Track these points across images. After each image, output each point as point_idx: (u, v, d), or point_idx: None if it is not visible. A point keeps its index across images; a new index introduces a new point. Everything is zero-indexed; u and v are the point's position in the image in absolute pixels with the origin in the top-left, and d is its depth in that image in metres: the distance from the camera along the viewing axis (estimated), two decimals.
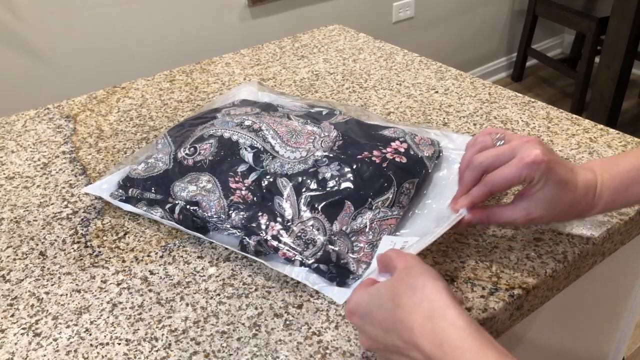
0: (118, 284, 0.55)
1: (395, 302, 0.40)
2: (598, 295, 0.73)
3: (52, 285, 0.55)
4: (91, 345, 0.48)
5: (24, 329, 0.50)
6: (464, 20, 2.55)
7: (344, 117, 0.70)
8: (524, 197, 0.50)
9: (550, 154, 0.48)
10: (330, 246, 0.53)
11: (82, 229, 0.62)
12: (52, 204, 0.67)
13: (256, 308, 0.51)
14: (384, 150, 0.61)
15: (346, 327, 0.49)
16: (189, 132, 0.68)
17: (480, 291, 0.51)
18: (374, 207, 0.56)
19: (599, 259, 0.60)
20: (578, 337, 0.77)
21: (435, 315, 0.38)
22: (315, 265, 0.53)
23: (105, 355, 0.47)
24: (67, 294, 0.54)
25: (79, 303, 0.53)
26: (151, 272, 0.56)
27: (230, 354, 0.47)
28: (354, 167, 0.59)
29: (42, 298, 0.54)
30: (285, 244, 0.54)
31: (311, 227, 0.54)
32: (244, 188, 0.59)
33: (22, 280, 0.56)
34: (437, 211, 0.59)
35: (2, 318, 0.52)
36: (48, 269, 0.57)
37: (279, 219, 0.56)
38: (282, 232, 0.55)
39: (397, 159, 0.60)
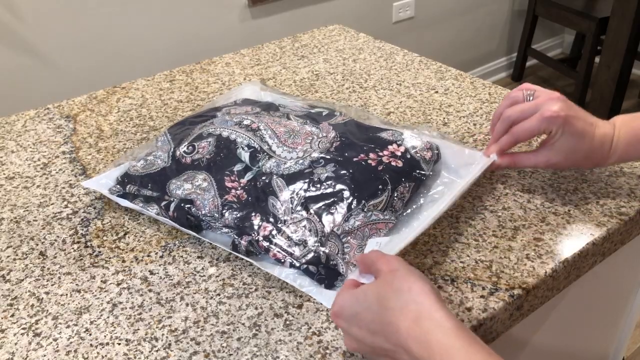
0: (118, 284, 0.55)
1: (382, 305, 0.40)
2: (598, 295, 0.73)
3: (52, 285, 0.55)
4: (91, 345, 0.48)
5: (24, 329, 0.50)
6: (464, 20, 2.55)
7: (344, 118, 0.70)
8: (545, 146, 0.59)
9: (569, 110, 0.57)
10: (320, 247, 0.53)
11: (82, 229, 0.62)
12: (52, 204, 0.67)
13: (256, 308, 0.51)
14: (380, 153, 0.61)
15: None
16: (189, 130, 0.68)
17: (480, 291, 0.51)
18: (366, 210, 0.56)
19: (599, 259, 0.60)
20: (578, 337, 0.77)
21: (422, 317, 0.38)
22: (305, 266, 0.52)
23: (105, 355, 0.47)
24: (67, 294, 0.54)
25: (79, 303, 0.53)
26: (151, 272, 0.56)
27: (230, 354, 0.47)
28: (350, 169, 0.58)
29: (42, 298, 0.54)
30: (276, 244, 0.54)
31: (303, 228, 0.54)
32: (239, 187, 0.59)
33: (22, 280, 0.56)
34: (431, 217, 0.56)
35: (2, 318, 0.52)
36: (48, 269, 0.57)
37: (271, 219, 0.56)
38: (274, 232, 0.55)
39: (393, 163, 0.60)
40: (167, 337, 0.49)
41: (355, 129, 0.67)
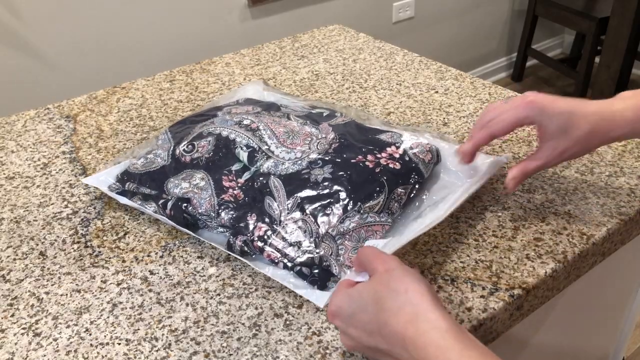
0: (118, 284, 0.55)
1: (378, 305, 0.40)
2: (598, 295, 0.73)
3: (52, 285, 0.55)
4: (91, 345, 0.48)
5: (24, 329, 0.50)
6: (464, 20, 2.55)
7: (344, 119, 0.70)
8: (543, 139, 0.55)
9: (546, 97, 0.53)
10: (314, 249, 0.53)
11: (82, 229, 0.62)
12: (52, 204, 0.67)
13: (256, 308, 0.51)
14: (378, 155, 0.61)
15: None
16: (189, 129, 0.68)
17: (480, 291, 0.51)
18: (362, 211, 0.55)
19: (599, 259, 0.60)
20: (578, 337, 0.77)
21: (418, 318, 0.38)
22: (298, 268, 0.52)
23: (105, 355, 0.47)
24: (67, 294, 0.54)
25: (79, 303, 0.53)
26: (151, 272, 0.56)
27: (230, 354, 0.47)
28: (347, 170, 0.58)
29: (42, 298, 0.54)
30: (270, 245, 0.54)
31: (298, 229, 0.54)
32: (236, 187, 0.59)
33: (22, 280, 0.56)
34: (430, 220, 0.56)
35: (2, 318, 0.52)
36: (48, 269, 0.57)
37: (267, 220, 0.56)
38: (269, 232, 0.55)
39: (391, 165, 0.60)
40: (167, 337, 0.49)
41: (354, 130, 0.67)
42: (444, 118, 0.80)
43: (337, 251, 0.53)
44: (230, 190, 0.59)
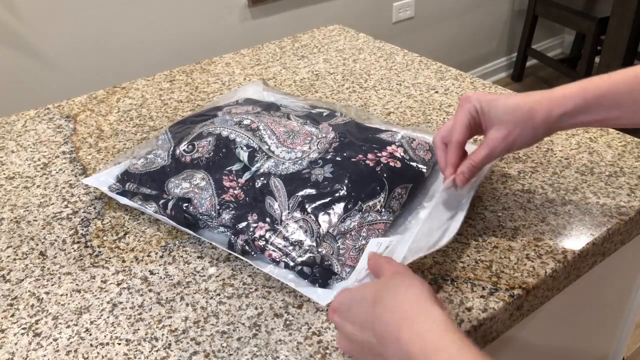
0: (118, 284, 0.55)
1: (376, 300, 0.40)
2: (598, 295, 0.73)
3: (52, 285, 0.55)
4: (91, 345, 0.48)
5: (24, 329, 0.50)
6: (464, 20, 2.55)
7: (344, 119, 0.70)
8: (486, 128, 0.54)
9: (483, 93, 0.54)
10: (316, 249, 0.53)
11: (82, 229, 0.62)
12: (52, 204, 0.67)
13: (256, 308, 0.51)
14: (378, 154, 0.61)
15: None
16: (189, 129, 0.68)
17: (480, 291, 0.51)
18: (363, 210, 0.56)
19: (599, 259, 0.60)
20: (578, 337, 0.77)
21: (416, 315, 0.38)
22: (299, 267, 0.52)
23: (105, 355, 0.47)
24: (67, 294, 0.54)
25: (79, 303, 0.53)
26: (151, 272, 0.56)
27: (230, 354, 0.47)
28: (347, 170, 0.58)
29: (42, 298, 0.54)
30: (272, 244, 0.54)
31: (299, 229, 0.54)
32: (237, 187, 0.59)
33: (22, 280, 0.56)
34: (431, 219, 0.56)
35: (2, 318, 0.52)
36: (48, 269, 0.57)
37: (267, 219, 0.56)
38: (269, 232, 0.55)
39: (392, 163, 0.60)
40: (167, 337, 0.49)
41: (354, 129, 0.67)
42: (444, 118, 0.80)
43: (338, 250, 0.53)
44: (231, 190, 0.59)
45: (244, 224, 0.56)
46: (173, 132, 0.69)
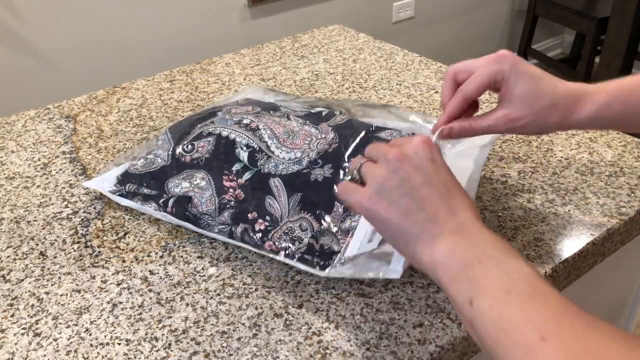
0: (118, 284, 0.55)
1: (447, 182, 0.41)
2: (598, 295, 0.73)
3: (52, 285, 0.55)
4: (91, 345, 0.48)
5: (24, 329, 0.50)
6: (464, 20, 2.55)
7: (343, 118, 0.70)
8: (503, 98, 0.50)
9: (519, 57, 0.50)
10: (316, 242, 0.54)
11: (82, 229, 0.62)
12: (52, 204, 0.67)
13: (256, 308, 0.51)
14: None
15: (346, 327, 0.49)
16: (189, 129, 0.68)
17: None
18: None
19: (599, 259, 0.60)
20: None
21: (473, 217, 0.40)
22: (300, 255, 0.53)
23: (105, 355, 0.47)
24: (67, 294, 0.54)
25: (79, 303, 0.53)
26: (151, 272, 0.56)
27: (230, 354, 0.47)
28: (347, 169, 0.59)
29: (42, 298, 0.54)
30: (271, 238, 0.55)
31: (299, 227, 0.55)
32: (237, 187, 0.60)
33: (22, 280, 0.56)
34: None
35: (2, 318, 0.52)
36: (48, 269, 0.57)
37: (267, 218, 0.56)
38: (269, 228, 0.55)
39: None
40: (167, 337, 0.49)
41: (354, 129, 0.67)
42: None
43: (337, 241, 0.54)
44: (231, 190, 0.59)
45: (244, 220, 0.56)
46: (173, 132, 0.69)
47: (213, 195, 0.59)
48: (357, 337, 0.48)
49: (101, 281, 0.55)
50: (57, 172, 0.73)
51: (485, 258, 0.36)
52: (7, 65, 1.53)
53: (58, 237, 0.61)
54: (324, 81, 0.93)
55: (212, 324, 0.50)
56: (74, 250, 0.59)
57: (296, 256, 0.53)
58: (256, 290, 0.53)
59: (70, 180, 0.71)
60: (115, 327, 0.50)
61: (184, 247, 0.59)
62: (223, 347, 0.48)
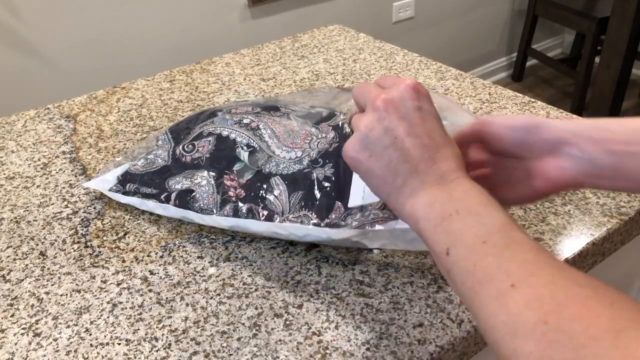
0: (118, 284, 0.55)
1: (438, 130, 0.40)
2: None
3: (52, 285, 0.55)
4: (91, 345, 0.48)
5: (24, 329, 0.50)
6: (464, 20, 2.56)
7: (343, 118, 0.70)
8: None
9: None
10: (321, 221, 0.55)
11: (82, 229, 0.62)
12: (52, 204, 0.67)
13: (256, 308, 0.51)
14: None
15: (346, 327, 0.49)
16: (189, 129, 0.68)
17: None
18: (364, 209, 0.56)
19: (599, 259, 0.60)
20: None
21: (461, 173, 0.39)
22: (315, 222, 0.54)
23: (105, 355, 0.47)
24: (67, 294, 0.54)
25: (79, 303, 0.53)
26: (151, 272, 0.56)
27: (230, 354, 0.47)
28: (348, 168, 0.59)
29: (42, 298, 0.54)
30: (275, 221, 0.56)
31: (300, 224, 0.55)
32: (238, 187, 0.60)
33: (22, 280, 0.56)
34: None
35: (2, 318, 0.52)
36: (48, 269, 0.57)
37: (269, 213, 0.57)
38: (272, 215, 0.57)
39: None
40: (167, 337, 0.49)
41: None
42: None
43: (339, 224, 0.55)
44: (232, 189, 0.60)
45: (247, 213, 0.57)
46: (173, 132, 0.70)
47: (215, 193, 0.59)
48: (357, 337, 0.48)
49: (101, 281, 0.55)
50: (57, 172, 0.73)
51: (463, 209, 0.36)
52: (7, 65, 1.53)
53: (58, 237, 0.61)
54: (324, 81, 0.93)
55: (212, 324, 0.50)
56: (74, 250, 0.59)
57: (311, 221, 0.54)
58: (256, 290, 0.53)
59: (70, 180, 0.71)
60: (115, 327, 0.50)
61: (184, 247, 0.59)
62: (223, 347, 0.48)
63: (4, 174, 0.74)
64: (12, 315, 0.52)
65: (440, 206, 0.37)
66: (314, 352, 0.47)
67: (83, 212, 0.65)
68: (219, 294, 0.53)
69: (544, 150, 0.43)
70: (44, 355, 0.48)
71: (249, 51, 1.07)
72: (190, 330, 0.49)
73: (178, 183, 0.61)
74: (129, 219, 0.63)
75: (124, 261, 0.57)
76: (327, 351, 0.47)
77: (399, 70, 0.96)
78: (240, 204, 0.57)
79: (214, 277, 0.55)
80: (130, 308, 0.52)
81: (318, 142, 0.63)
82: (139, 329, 0.50)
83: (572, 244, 0.56)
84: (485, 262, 0.33)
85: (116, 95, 0.93)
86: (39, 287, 0.55)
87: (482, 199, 0.37)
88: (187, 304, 0.52)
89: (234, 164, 0.62)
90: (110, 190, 0.65)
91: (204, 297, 0.52)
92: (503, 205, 0.37)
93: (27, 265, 0.58)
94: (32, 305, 0.53)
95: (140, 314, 0.51)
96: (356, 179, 0.53)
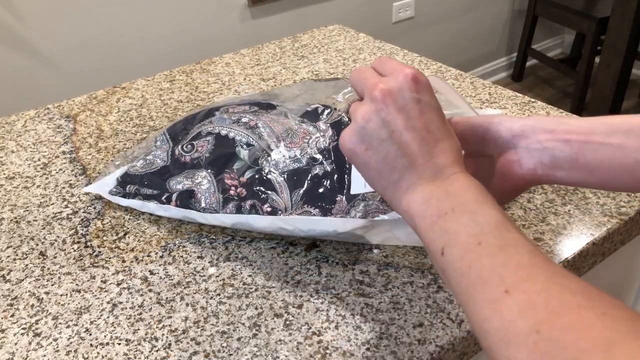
0: (118, 284, 0.55)
1: (438, 122, 0.40)
2: None
3: (52, 285, 0.55)
4: (91, 345, 0.48)
5: (24, 329, 0.50)
6: (464, 20, 2.56)
7: (339, 114, 0.70)
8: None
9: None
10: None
11: (82, 229, 0.62)
12: (52, 204, 0.67)
13: (256, 308, 0.51)
14: None
15: (346, 327, 0.49)
16: (187, 129, 0.69)
17: None
18: (366, 199, 0.56)
19: (599, 259, 0.60)
20: None
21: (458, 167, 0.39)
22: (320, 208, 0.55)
23: (105, 355, 0.47)
24: (67, 294, 0.54)
25: (79, 303, 0.53)
26: (151, 272, 0.56)
27: (230, 354, 0.47)
28: (347, 165, 0.59)
29: (42, 298, 0.54)
30: (279, 216, 0.56)
31: (303, 219, 0.55)
32: (239, 186, 0.60)
33: (22, 280, 0.56)
34: None
35: (2, 318, 0.52)
36: (48, 269, 0.57)
37: (271, 208, 0.57)
38: (276, 211, 0.57)
39: None
40: (167, 337, 0.49)
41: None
42: None
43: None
44: (233, 188, 0.60)
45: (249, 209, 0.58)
46: (171, 133, 0.70)
47: (216, 192, 0.59)
48: (357, 337, 0.48)
49: (101, 281, 0.55)
50: (57, 172, 0.73)
51: (459, 207, 0.36)
52: (7, 65, 1.53)
53: (58, 237, 0.61)
54: None
55: (212, 324, 0.50)
56: (74, 250, 0.59)
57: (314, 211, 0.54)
58: (256, 290, 0.53)
59: (70, 180, 0.71)
60: (115, 327, 0.50)
61: (184, 247, 0.59)
62: (223, 347, 0.48)
63: (4, 174, 0.74)
64: (12, 315, 0.52)
65: (436, 203, 0.37)
66: (314, 352, 0.47)
67: (83, 212, 0.65)
68: (219, 294, 0.53)
69: (503, 146, 0.43)
70: (44, 355, 0.48)
71: (249, 51, 1.07)
72: (190, 330, 0.49)
73: (179, 183, 0.62)
74: (129, 219, 0.63)
75: (124, 261, 0.57)
76: (327, 351, 0.47)
77: None
78: (243, 202, 0.58)
79: (214, 277, 0.55)
80: (130, 308, 0.52)
81: (316, 141, 0.63)
82: (139, 329, 0.50)
83: (572, 244, 0.56)
84: (479, 264, 0.32)
85: (116, 95, 0.93)
86: (39, 287, 0.55)
87: (479, 195, 0.36)
88: (187, 304, 0.52)
89: (234, 163, 0.62)
90: (110, 193, 0.65)
91: (204, 297, 0.52)
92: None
93: (27, 265, 0.58)
94: (32, 305, 0.53)
95: (140, 314, 0.51)
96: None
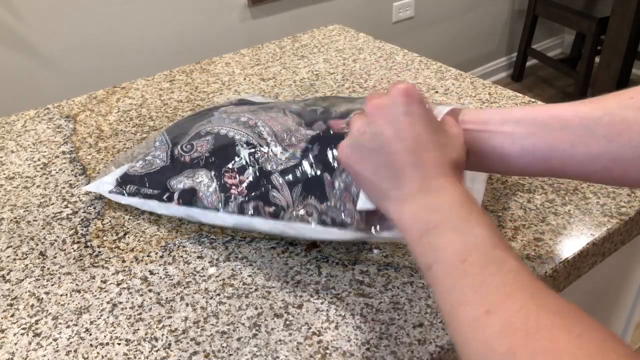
0: (118, 284, 0.55)
1: (433, 130, 0.41)
2: (598, 295, 0.73)
3: (52, 285, 0.55)
4: (91, 345, 0.48)
5: (24, 329, 0.50)
6: (464, 20, 2.56)
7: (336, 115, 0.70)
8: None
9: None
10: (326, 216, 0.55)
11: (82, 229, 0.62)
12: (52, 204, 0.67)
13: (256, 308, 0.51)
14: None
15: (346, 327, 0.49)
16: (186, 129, 0.69)
17: None
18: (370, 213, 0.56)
19: (599, 259, 0.60)
20: None
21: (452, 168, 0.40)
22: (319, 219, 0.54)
23: (105, 355, 0.47)
24: (67, 294, 0.54)
25: (79, 303, 0.53)
26: (151, 272, 0.56)
27: (230, 354, 0.47)
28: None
29: (42, 298, 0.54)
30: (281, 217, 0.56)
31: (305, 214, 0.55)
32: (239, 184, 0.60)
33: (22, 280, 0.56)
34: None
35: (2, 318, 0.52)
36: (48, 269, 0.57)
37: (274, 207, 0.57)
38: (278, 212, 0.56)
39: None
40: (167, 337, 0.49)
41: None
42: None
43: (342, 212, 0.55)
44: (234, 187, 0.60)
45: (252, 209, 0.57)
46: (170, 133, 0.70)
47: (217, 191, 0.59)
48: (357, 337, 0.48)
49: (101, 281, 0.55)
50: (57, 172, 0.73)
51: (445, 221, 0.36)
52: (7, 65, 1.53)
53: (58, 237, 0.61)
54: (324, 81, 0.93)
55: (212, 324, 0.50)
56: (74, 250, 0.59)
57: (313, 223, 0.54)
58: (256, 290, 0.53)
59: (70, 180, 0.71)
60: (115, 327, 0.50)
61: (183, 247, 0.59)
62: (223, 347, 0.48)
63: (4, 174, 0.74)
64: (12, 315, 0.52)
65: (424, 216, 0.37)
66: (314, 352, 0.47)
67: (83, 212, 0.65)
68: (219, 294, 0.53)
69: None
70: (44, 355, 0.48)
71: (248, 51, 1.07)
72: (190, 330, 0.49)
73: (180, 183, 0.62)
74: (129, 219, 0.63)
75: (123, 261, 0.57)
76: (327, 351, 0.47)
77: (398, 70, 0.96)
78: (244, 201, 0.57)
79: (214, 277, 0.55)
80: (130, 308, 0.52)
81: (314, 141, 0.63)
82: (138, 329, 0.50)
83: (572, 244, 0.56)
84: (462, 284, 0.33)
85: (116, 95, 0.93)
86: (38, 287, 0.55)
87: (465, 208, 0.37)
88: (187, 304, 0.52)
89: (234, 162, 0.62)
90: (110, 192, 0.65)
91: (204, 297, 0.52)
92: None
93: (27, 265, 0.58)
94: (32, 305, 0.53)
95: (140, 314, 0.51)
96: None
